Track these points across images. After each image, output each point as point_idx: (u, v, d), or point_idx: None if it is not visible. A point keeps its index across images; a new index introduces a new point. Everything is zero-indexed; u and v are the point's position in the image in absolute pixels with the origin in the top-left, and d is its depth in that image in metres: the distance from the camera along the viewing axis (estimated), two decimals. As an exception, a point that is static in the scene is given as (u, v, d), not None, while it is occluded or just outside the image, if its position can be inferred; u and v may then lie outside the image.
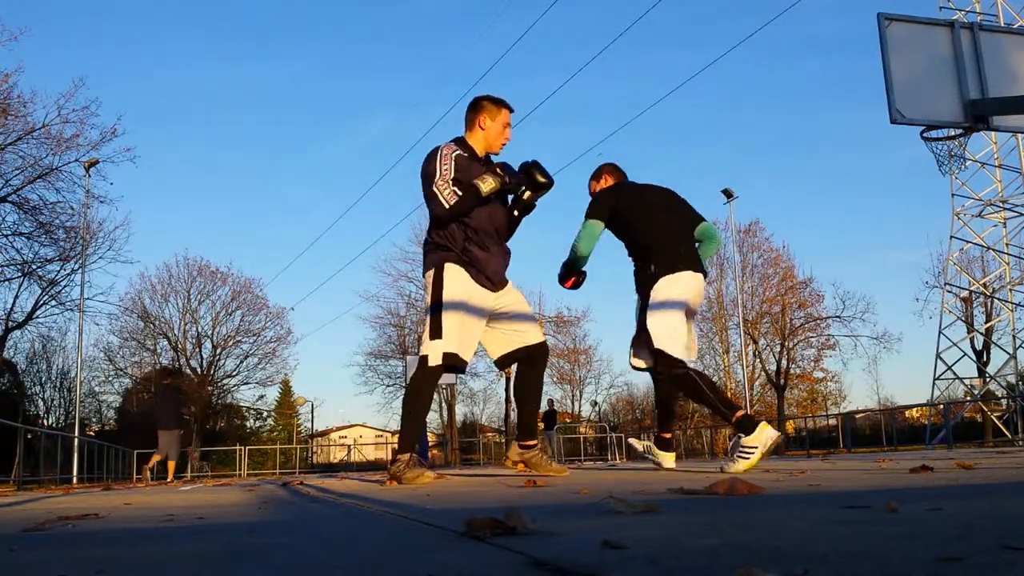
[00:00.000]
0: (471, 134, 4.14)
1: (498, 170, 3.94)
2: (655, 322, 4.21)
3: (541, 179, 4.01)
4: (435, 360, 3.87)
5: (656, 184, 4.69)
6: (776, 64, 54.19)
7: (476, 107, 4.17)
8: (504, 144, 4.20)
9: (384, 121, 58.39)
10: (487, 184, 3.85)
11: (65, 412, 30.61)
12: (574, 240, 4.51)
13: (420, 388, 3.95)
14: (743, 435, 3.84)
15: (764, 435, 3.79)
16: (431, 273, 4.00)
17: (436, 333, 3.88)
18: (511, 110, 4.25)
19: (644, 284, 4.36)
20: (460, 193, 3.85)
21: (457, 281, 3.93)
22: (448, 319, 3.88)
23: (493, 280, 4.05)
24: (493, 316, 4.12)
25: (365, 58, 56.88)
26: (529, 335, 4.21)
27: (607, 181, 4.83)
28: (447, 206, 3.85)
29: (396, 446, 4.02)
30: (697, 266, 4.38)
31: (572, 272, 4.68)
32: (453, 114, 34.09)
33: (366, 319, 38.46)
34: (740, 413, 3.95)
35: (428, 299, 4.00)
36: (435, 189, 3.89)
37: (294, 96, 56.32)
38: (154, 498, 3.72)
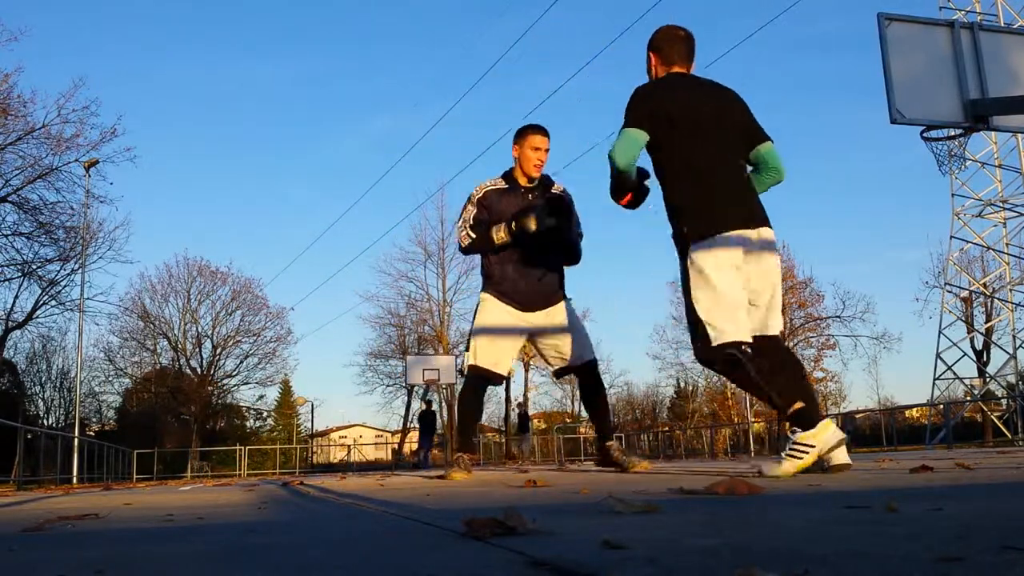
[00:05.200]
0: (516, 165, 4.65)
1: (532, 202, 4.52)
2: (693, 300, 3.30)
3: (527, 227, 4.41)
4: (469, 371, 4.59)
5: (710, 81, 3.52)
6: (776, 64, 54.18)
7: (514, 138, 4.62)
8: (538, 166, 4.61)
9: (384, 121, 58.42)
10: (498, 236, 4.48)
11: (65, 412, 30.61)
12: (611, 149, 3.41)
13: (461, 396, 4.75)
14: (798, 430, 3.11)
15: (827, 434, 3.07)
16: (477, 302, 4.73)
17: (469, 350, 4.61)
18: (541, 133, 4.60)
19: (678, 250, 3.43)
20: (474, 236, 4.54)
21: (490, 310, 4.58)
22: (478, 340, 4.56)
23: (523, 303, 4.56)
24: (537, 334, 4.67)
25: (365, 58, 56.91)
26: (569, 355, 4.64)
27: (655, 65, 3.62)
28: (462, 247, 4.64)
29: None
30: (751, 219, 3.29)
31: (624, 188, 3.58)
32: (453, 114, 34.07)
33: (366, 319, 38.39)
34: (798, 405, 3.14)
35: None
36: (456, 229, 4.64)
37: (294, 96, 56.35)
38: (154, 498, 3.72)
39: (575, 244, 4.73)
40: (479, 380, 4.58)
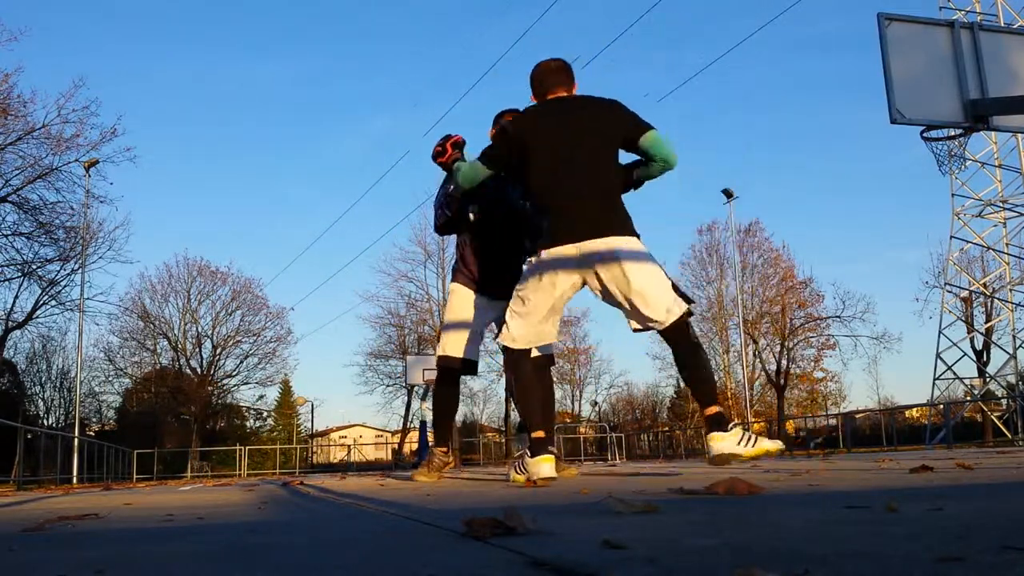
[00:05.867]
0: None
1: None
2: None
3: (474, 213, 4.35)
4: (438, 363, 4.53)
5: (575, 98, 3.64)
6: (776, 64, 54.19)
7: (493, 121, 4.36)
8: None
9: (384, 121, 58.42)
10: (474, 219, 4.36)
11: (65, 412, 30.60)
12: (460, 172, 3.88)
13: (434, 390, 4.71)
14: (529, 454, 3.51)
15: (536, 469, 3.40)
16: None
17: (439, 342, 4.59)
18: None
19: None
20: (449, 214, 4.39)
21: (457, 299, 4.48)
22: (446, 330, 4.55)
23: (488, 288, 4.42)
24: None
25: (365, 58, 56.92)
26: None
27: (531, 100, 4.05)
28: (434, 227, 4.60)
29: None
30: (570, 235, 3.36)
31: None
32: (453, 114, 34.08)
33: (366, 319, 38.49)
34: (540, 434, 3.50)
35: None
36: (435, 206, 4.54)
37: (294, 96, 56.39)
38: (154, 498, 3.72)
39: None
40: (447, 371, 4.49)
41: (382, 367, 33.80)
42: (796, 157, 53.68)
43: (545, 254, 3.40)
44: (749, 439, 3.14)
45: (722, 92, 51.44)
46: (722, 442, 3.14)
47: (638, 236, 3.47)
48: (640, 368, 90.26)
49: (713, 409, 3.22)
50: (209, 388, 32.63)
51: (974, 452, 8.44)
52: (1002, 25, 20.30)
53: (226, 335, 33.16)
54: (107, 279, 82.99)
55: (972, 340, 25.75)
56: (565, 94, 3.65)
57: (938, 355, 24.44)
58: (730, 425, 3.18)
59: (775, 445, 3.20)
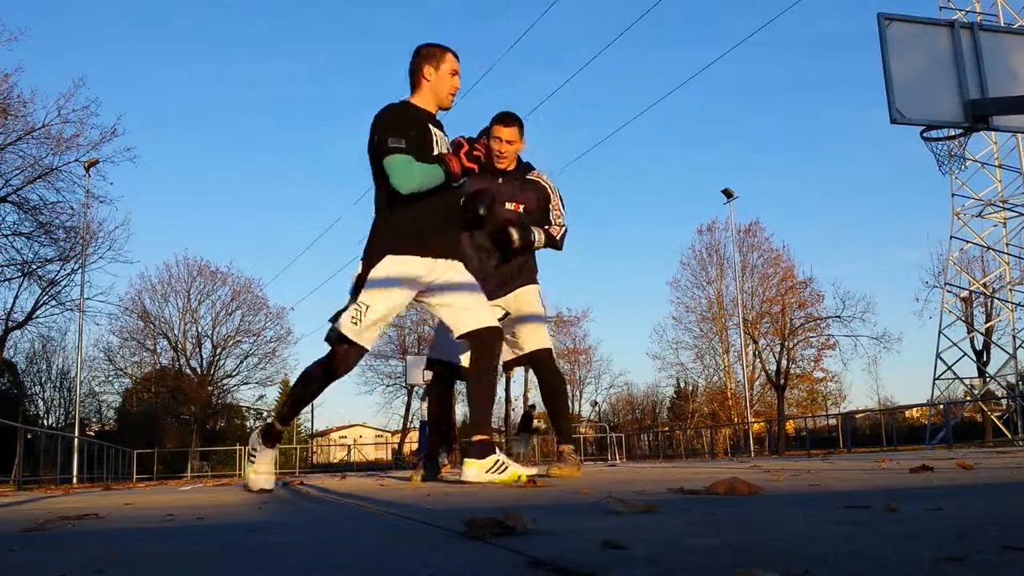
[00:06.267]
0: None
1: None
2: None
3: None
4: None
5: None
6: (776, 64, 54.18)
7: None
8: (499, 156, 4.24)
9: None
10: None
11: (65, 412, 30.60)
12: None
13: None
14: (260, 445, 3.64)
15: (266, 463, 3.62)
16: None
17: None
18: (503, 123, 4.27)
19: None
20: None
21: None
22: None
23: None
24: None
25: (366, 58, 56.91)
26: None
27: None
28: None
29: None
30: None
31: None
32: (453, 114, 34.01)
33: (366, 319, 38.32)
34: (278, 427, 3.68)
35: None
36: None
37: (294, 95, 56.35)
38: (154, 498, 3.72)
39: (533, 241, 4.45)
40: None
41: (382, 367, 33.80)
42: (796, 157, 53.68)
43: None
44: (500, 467, 3.41)
45: (722, 92, 51.47)
46: (470, 468, 3.43)
47: (375, 261, 3.48)
48: (640, 368, 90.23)
49: (478, 437, 3.49)
50: (209, 388, 32.61)
51: (974, 452, 8.44)
52: (1002, 25, 20.31)
53: (226, 335, 33.17)
54: (107, 279, 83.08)
55: (972, 340, 25.76)
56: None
57: (938, 355, 24.45)
58: (489, 455, 3.44)
59: (524, 472, 3.46)
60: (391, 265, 3.44)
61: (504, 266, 4.33)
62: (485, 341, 3.57)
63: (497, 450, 3.51)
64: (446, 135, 3.72)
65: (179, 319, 33.00)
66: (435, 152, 3.53)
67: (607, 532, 1.19)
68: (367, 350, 3.54)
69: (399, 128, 3.44)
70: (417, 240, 3.48)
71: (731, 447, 29.85)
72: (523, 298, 4.37)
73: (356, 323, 3.39)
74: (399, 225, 3.48)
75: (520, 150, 4.43)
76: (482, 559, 1.07)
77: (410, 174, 3.37)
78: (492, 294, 4.17)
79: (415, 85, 3.67)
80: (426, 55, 3.65)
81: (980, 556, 0.86)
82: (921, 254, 71.22)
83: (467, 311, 3.57)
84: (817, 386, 33.43)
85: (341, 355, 3.46)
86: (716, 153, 53.26)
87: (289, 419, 3.80)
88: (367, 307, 3.40)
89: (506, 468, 3.41)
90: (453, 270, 3.59)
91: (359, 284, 3.45)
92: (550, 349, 4.46)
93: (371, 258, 3.47)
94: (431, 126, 3.59)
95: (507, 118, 4.33)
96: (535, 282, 4.46)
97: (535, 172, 4.49)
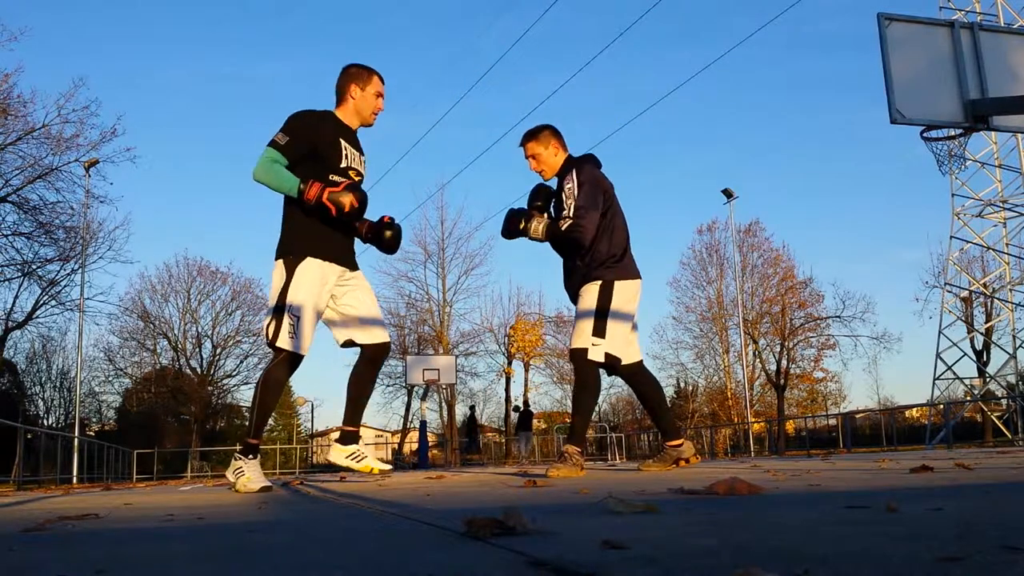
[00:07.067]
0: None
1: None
2: None
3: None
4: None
5: None
6: (776, 64, 54.15)
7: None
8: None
9: (383, 121, 57.98)
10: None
11: (65, 412, 30.60)
12: None
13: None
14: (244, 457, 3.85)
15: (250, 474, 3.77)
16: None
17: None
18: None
19: None
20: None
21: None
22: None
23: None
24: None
25: (365, 58, 56.69)
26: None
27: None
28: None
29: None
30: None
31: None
32: (453, 114, 34.12)
33: (366, 319, 38.32)
34: (253, 440, 3.93)
35: None
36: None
37: (294, 95, 56.20)
38: (154, 498, 3.72)
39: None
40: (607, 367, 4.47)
41: (382, 367, 33.76)
42: (796, 157, 53.63)
43: None
44: (359, 456, 3.88)
45: (722, 92, 51.46)
46: (334, 452, 3.96)
47: (282, 258, 3.67)
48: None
49: (349, 428, 3.94)
50: (209, 388, 32.62)
51: (974, 452, 8.44)
52: (1002, 25, 20.31)
53: (226, 335, 33.15)
54: (107, 279, 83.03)
55: (972, 340, 25.75)
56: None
57: (938, 355, 24.44)
58: (351, 444, 3.92)
59: (380, 467, 3.95)
60: (313, 268, 3.67)
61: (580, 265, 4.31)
62: (378, 359, 4.01)
63: (360, 443, 3.97)
64: (362, 152, 3.95)
65: (179, 319, 33.01)
66: (342, 165, 3.74)
67: (607, 532, 1.19)
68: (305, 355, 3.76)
69: (293, 131, 3.65)
70: (325, 245, 3.71)
71: (731, 447, 29.84)
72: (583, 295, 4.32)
73: (293, 337, 3.64)
74: (307, 227, 3.68)
75: (549, 157, 4.38)
76: (482, 559, 1.07)
77: (266, 169, 3.57)
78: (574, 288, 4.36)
79: (340, 100, 3.91)
80: (354, 75, 3.91)
81: (980, 556, 0.86)
82: (921, 254, 71.16)
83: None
84: (817, 386, 33.44)
85: (290, 361, 3.70)
86: (716, 153, 53.23)
87: (263, 430, 4.04)
88: (298, 318, 3.64)
89: (364, 458, 3.88)
90: (358, 279, 3.90)
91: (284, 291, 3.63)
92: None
93: (279, 254, 3.70)
94: (343, 140, 3.78)
95: (521, 138, 4.42)
96: (591, 279, 4.29)
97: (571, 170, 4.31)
